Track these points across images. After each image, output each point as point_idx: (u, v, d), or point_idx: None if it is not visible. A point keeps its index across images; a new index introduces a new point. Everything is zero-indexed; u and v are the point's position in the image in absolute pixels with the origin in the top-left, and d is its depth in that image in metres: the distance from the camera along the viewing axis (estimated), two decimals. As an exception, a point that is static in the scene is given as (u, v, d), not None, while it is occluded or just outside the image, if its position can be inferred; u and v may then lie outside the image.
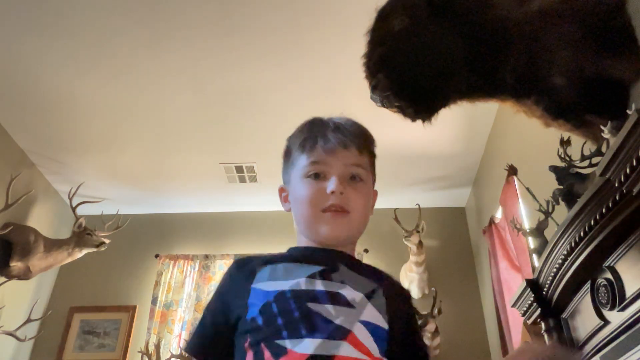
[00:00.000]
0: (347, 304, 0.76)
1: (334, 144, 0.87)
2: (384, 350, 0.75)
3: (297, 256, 0.85)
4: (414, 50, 1.26)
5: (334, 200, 0.84)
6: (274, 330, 0.73)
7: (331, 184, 0.84)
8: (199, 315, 3.64)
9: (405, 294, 0.90)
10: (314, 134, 0.89)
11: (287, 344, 0.72)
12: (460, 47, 1.26)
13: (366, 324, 0.75)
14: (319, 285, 0.78)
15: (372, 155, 0.93)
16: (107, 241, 3.40)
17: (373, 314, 0.77)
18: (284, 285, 0.78)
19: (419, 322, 3.35)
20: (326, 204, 0.84)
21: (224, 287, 0.86)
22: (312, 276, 0.79)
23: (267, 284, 0.80)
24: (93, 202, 3.51)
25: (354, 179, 0.87)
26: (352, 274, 0.82)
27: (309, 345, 0.71)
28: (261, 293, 0.78)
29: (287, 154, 0.94)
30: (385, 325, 0.77)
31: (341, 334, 0.73)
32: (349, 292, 0.78)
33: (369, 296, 0.79)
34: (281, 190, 0.96)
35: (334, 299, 0.76)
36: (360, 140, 0.89)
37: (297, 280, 0.78)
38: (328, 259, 0.83)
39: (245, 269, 0.84)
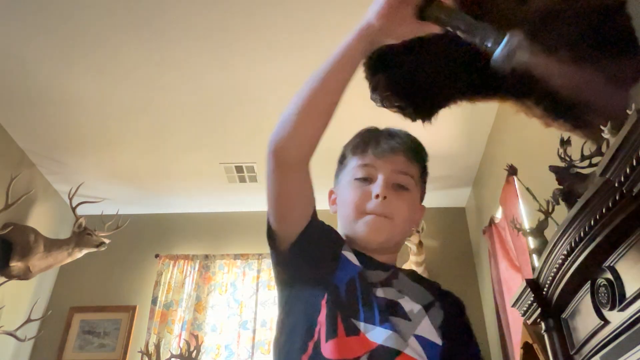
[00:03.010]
0: (404, 315, 0.76)
1: (384, 148, 0.89)
2: None
3: (361, 260, 0.84)
4: (414, 50, 1.26)
5: (376, 205, 0.84)
6: (353, 309, 0.74)
7: (376, 187, 0.85)
8: (199, 315, 3.65)
9: (460, 305, 0.91)
10: (367, 139, 0.92)
11: (362, 326, 0.72)
12: (461, 47, 1.26)
13: (420, 339, 0.74)
14: (379, 292, 0.78)
15: (424, 169, 0.96)
16: (107, 241, 3.40)
17: (428, 328, 0.76)
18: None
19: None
20: (369, 207, 0.85)
21: (325, 227, 0.86)
22: (374, 284, 0.79)
23: (353, 257, 0.81)
24: (93, 202, 3.51)
25: (401, 187, 0.88)
26: (412, 283, 0.83)
27: (380, 334, 0.71)
28: (349, 264, 0.79)
29: (342, 159, 0.96)
30: (439, 341, 0.76)
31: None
32: (407, 303, 0.78)
33: (427, 308, 0.79)
34: (331, 192, 0.97)
35: (392, 309, 0.76)
36: (410, 148, 0.92)
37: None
38: (387, 267, 0.84)
39: (335, 232, 0.86)
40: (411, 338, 0.73)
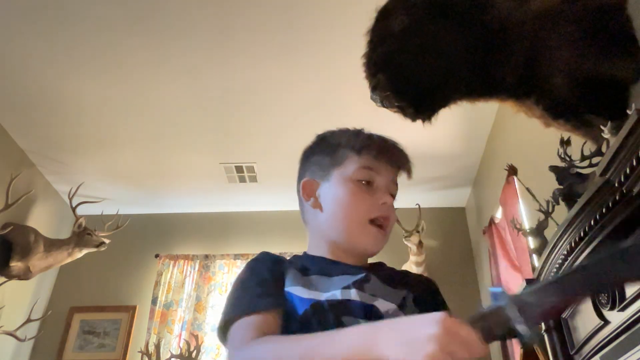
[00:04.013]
0: (381, 317, 0.75)
1: (395, 161, 0.90)
2: None
3: (326, 269, 0.83)
4: (414, 50, 1.26)
5: (385, 212, 0.86)
6: None
7: (385, 196, 0.86)
8: (199, 315, 3.65)
9: (432, 287, 0.91)
10: (376, 143, 0.90)
11: None
12: (461, 47, 1.26)
13: None
14: (354, 296, 0.77)
15: None
16: (107, 241, 3.40)
17: None
18: (320, 295, 0.77)
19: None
20: (375, 214, 0.85)
21: (265, 264, 0.84)
22: (347, 287, 0.79)
23: (302, 291, 0.79)
24: (93, 202, 3.51)
25: (393, 196, 0.90)
26: (382, 285, 0.82)
27: None
28: (297, 300, 0.77)
29: (332, 150, 0.91)
30: None
31: None
32: (382, 304, 0.77)
33: (402, 306, 0.79)
34: (311, 183, 0.92)
35: (367, 313, 0.75)
36: (409, 166, 0.93)
37: (333, 292, 0.78)
38: (357, 271, 0.83)
39: (277, 263, 0.84)
40: None
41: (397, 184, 0.91)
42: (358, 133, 0.93)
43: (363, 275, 0.81)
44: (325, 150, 0.92)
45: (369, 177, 0.87)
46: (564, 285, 0.59)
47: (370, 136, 0.93)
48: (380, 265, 0.92)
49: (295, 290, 0.79)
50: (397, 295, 0.81)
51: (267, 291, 0.78)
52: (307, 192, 0.92)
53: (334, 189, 0.88)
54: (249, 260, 0.88)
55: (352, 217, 0.85)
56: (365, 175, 0.87)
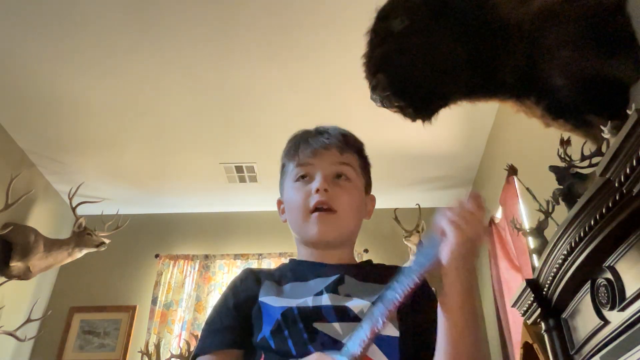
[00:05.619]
0: (355, 318, 0.75)
1: (315, 146, 0.90)
2: (397, 358, 0.73)
3: (302, 273, 0.85)
4: (414, 50, 1.27)
5: (319, 198, 0.86)
6: (285, 352, 0.73)
7: (315, 183, 0.87)
8: (199, 315, 3.64)
9: None
10: (297, 141, 0.93)
11: None
12: (461, 47, 1.26)
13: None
14: (326, 300, 0.77)
15: (362, 158, 0.95)
16: (107, 241, 3.40)
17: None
18: (292, 302, 0.78)
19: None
20: (312, 204, 0.86)
21: (235, 289, 0.87)
22: (319, 293, 0.79)
23: (274, 300, 0.80)
24: (93, 202, 3.51)
25: (340, 177, 0.89)
26: (359, 283, 0.82)
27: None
28: (270, 309, 0.78)
29: (282, 168, 0.98)
30: (396, 332, 0.75)
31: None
32: (355, 304, 0.77)
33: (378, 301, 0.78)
34: (279, 202, 0.99)
35: (340, 315, 0.75)
36: (341, 140, 0.92)
37: (305, 298, 0.78)
38: (333, 272, 0.83)
39: (253, 277, 0.87)
40: None
41: (343, 162, 0.90)
42: (289, 139, 0.97)
43: (336, 277, 0.82)
44: (281, 170, 0.99)
45: (303, 172, 0.90)
46: None
47: (295, 137, 0.96)
48: (364, 263, 0.92)
49: (268, 300, 0.80)
50: (375, 292, 0.79)
51: (224, 326, 0.82)
52: (281, 210, 0.99)
53: (286, 198, 0.94)
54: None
55: (297, 211, 0.88)
56: (300, 171, 0.90)
